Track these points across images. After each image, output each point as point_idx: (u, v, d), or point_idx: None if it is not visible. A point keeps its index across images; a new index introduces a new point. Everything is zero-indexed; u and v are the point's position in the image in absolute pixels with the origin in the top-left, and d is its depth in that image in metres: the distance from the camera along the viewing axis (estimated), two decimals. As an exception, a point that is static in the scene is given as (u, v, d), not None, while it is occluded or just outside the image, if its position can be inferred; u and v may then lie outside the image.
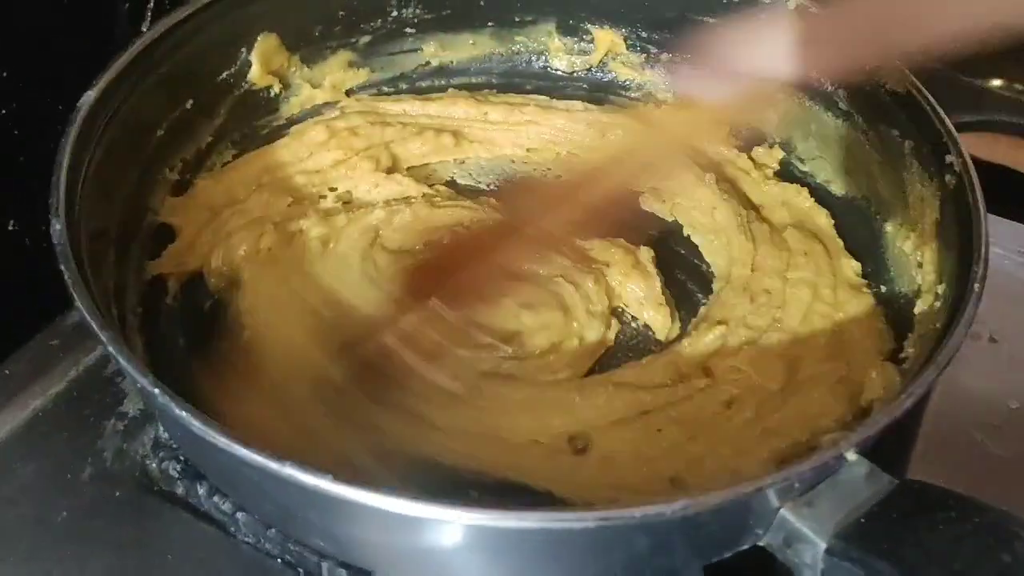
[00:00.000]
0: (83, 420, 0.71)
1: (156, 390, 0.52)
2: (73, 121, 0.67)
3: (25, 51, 0.72)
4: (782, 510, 0.54)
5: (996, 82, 1.15)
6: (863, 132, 0.81)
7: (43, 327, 0.76)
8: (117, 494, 0.67)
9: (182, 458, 0.67)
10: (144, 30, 0.80)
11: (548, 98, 0.93)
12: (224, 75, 0.84)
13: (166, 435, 0.68)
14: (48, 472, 0.68)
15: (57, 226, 0.60)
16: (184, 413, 0.51)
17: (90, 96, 0.69)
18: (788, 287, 0.74)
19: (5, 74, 0.71)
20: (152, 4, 0.81)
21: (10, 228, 0.76)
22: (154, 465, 0.68)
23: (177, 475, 0.67)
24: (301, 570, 0.63)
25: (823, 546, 0.53)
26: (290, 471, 0.49)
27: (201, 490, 0.66)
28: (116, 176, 0.72)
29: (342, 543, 0.59)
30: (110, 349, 0.54)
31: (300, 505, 0.54)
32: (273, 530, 0.64)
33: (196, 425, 0.51)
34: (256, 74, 0.86)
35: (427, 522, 0.50)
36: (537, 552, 0.54)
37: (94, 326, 0.54)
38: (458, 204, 0.81)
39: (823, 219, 0.81)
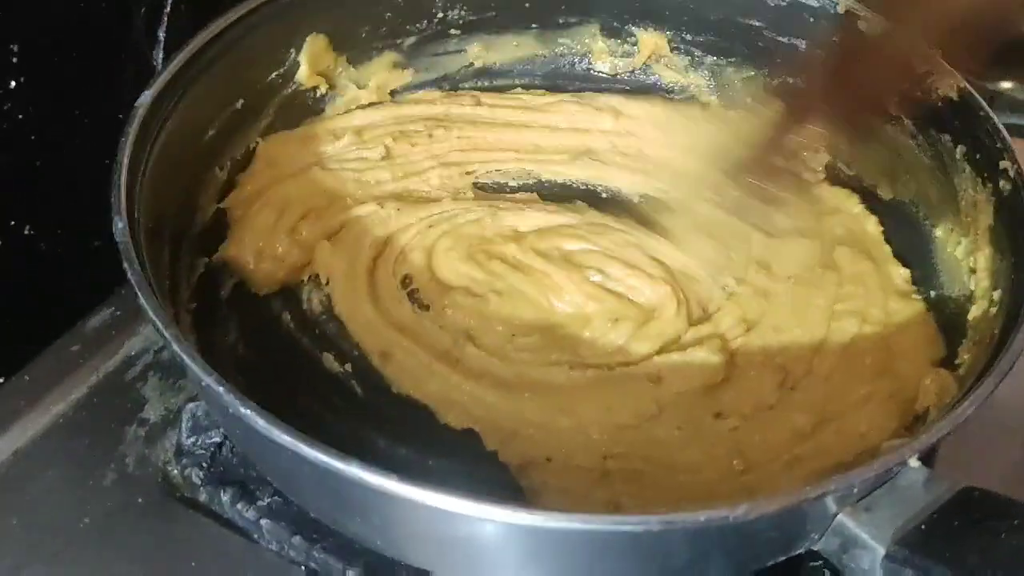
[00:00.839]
0: (104, 426, 0.71)
1: (221, 388, 0.52)
2: (132, 121, 0.67)
3: (41, 58, 0.72)
4: (840, 515, 0.54)
5: (1006, 84, 1.14)
6: (912, 136, 0.81)
7: (62, 333, 0.76)
8: (139, 500, 0.67)
9: (204, 464, 0.68)
10: (160, 36, 0.80)
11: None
12: (273, 75, 0.85)
13: (189, 441, 0.69)
14: (70, 478, 0.68)
15: (119, 224, 0.60)
16: (248, 411, 0.52)
17: (147, 96, 0.69)
18: (833, 321, 0.73)
19: (22, 80, 0.71)
20: (168, 9, 0.80)
21: (26, 233, 0.75)
22: (176, 471, 0.69)
23: (200, 481, 0.67)
24: None
25: (882, 552, 0.53)
26: (355, 470, 0.49)
27: (224, 497, 0.66)
28: (170, 175, 0.72)
29: (395, 541, 0.59)
30: (175, 347, 0.54)
31: (361, 503, 0.55)
32: (298, 537, 0.64)
33: (260, 424, 0.51)
34: (304, 74, 0.86)
35: (487, 523, 0.51)
36: (597, 554, 0.54)
37: (159, 324, 0.55)
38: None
39: (872, 226, 0.81)
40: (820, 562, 0.63)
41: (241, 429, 0.58)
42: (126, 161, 0.64)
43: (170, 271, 0.71)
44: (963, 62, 0.75)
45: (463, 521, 0.51)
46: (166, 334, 0.55)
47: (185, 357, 0.54)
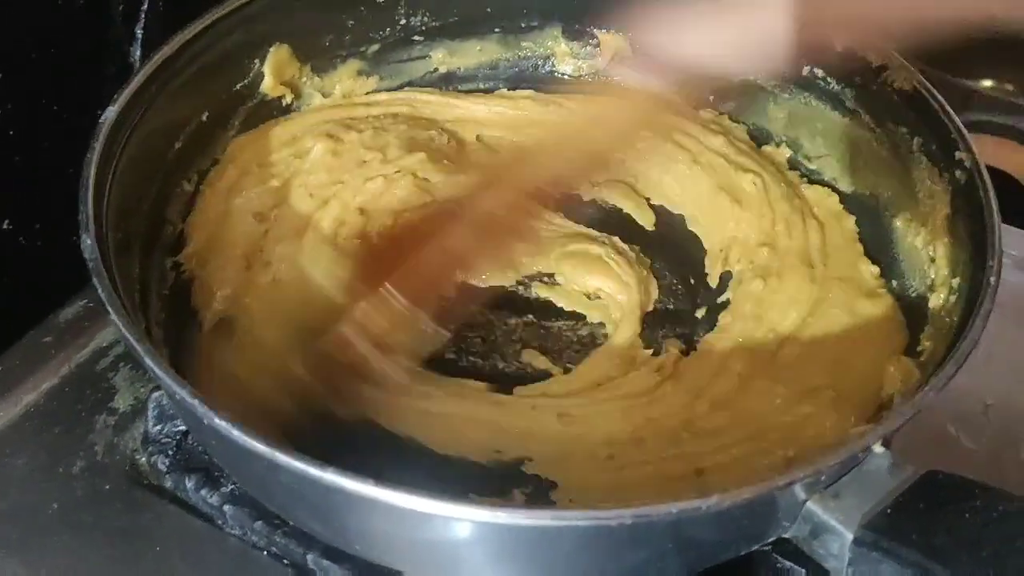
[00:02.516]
0: (75, 415, 0.73)
1: (196, 400, 0.53)
2: (96, 136, 0.67)
3: (20, 52, 0.73)
4: (809, 503, 0.55)
5: (986, 83, 1.17)
6: (871, 130, 0.82)
7: (36, 324, 0.78)
8: (107, 487, 0.69)
9: (170, 452, 0.69)
10: (138, 33, 0.81)
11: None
12: (238, 86, 0.85)
13: (155, 429, 0.70)
14: (40, 465, 0.70)
15: (88, 241, 0.60)
16: (222, 422, 0.52)
17: (111, 112, 0.69)
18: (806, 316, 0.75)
19: (0, 75, 0.72)
20: (146, 6, 0.81)
21: (4, 227, 0.77)
22: (143, 459, 0.70)
23: (165, 468, 0.69)
24: (287, 561, 0.65)
25: (850, 537, 0.54)
26: (333, 478, 0.50)
27: (189, 483, 0.68)
28: (138, 189, 0.72)
29: (372, 545, 0.60)
30: (147, 362, 0.55)
31: (336, 508, 0.55)
32: (260, 523, 0.65)
33: (235, 434, 0.52)
34: (269, 85, 0.87)
35: (453, 521, 0.51)
36: (569, 549, 0.54)
37: (132, 340, 0.55)
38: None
39: (850, 224, 0.82)
40: (768, 547, 0.64)
41: (217, 440, 0.58)
42: (92, 177, 0.64)
43: (140, 284, 0.72)
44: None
45: (436, 522, 0.51)
46: (139, 349, 0.55)
47: (158, 371, 0.54)
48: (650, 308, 0.77)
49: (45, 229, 0.79)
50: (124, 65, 0.81)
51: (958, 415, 0.77)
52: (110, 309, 0.56)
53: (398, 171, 0.82)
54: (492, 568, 0.58)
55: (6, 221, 0.77)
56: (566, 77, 0.98)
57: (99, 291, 0.58)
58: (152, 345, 0.57)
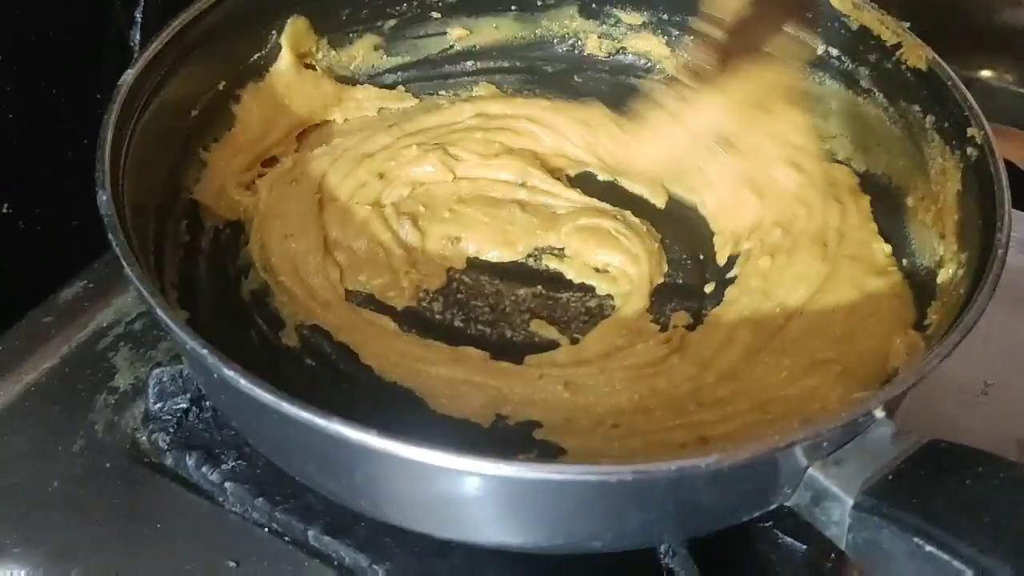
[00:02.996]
0: (75, 394, 0.73)
1: (205, 351, 0.53)
2: (114, 98, 0.68)
3: (19, 38, 0.73)
4: (810, 469, 0.55)
5: (986, 73, 1.16)
6: (884, 108, 0.83)
7: (36, 305, 0.79)
8: (107, 465, 0.69)
9: (171, 430, 0.70)
10: (138, 17, 0.81)
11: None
12: (255, 57, 0.86)
13: (156, 407, 0.71)
14: (40, 443, 0.70)
15: (103, 197, 0.61)
16: (232, 372, 0.53)
17: (130, 75, 0.70)
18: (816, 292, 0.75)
19: (0, 60, 0.73)
20: None
21: (4, 211, 0.78)
22: (144, 437, 0.70)
23: (166, 446, 0.69)
24: (288, 538, 0.65)
25: (851, 502, 0.54)
26: (336, 427, 0.50)
27: (190, 461, 0.68)
28: (154, 154, 0.73)
29: (378, 501, 0.60)
30: (158, 312, 0.55)
31: (342, 463, 0.56)
32: (261, 499, 0.66)
33: (244, 384, 0.52)
34: (285, 57, 0.88)
35: (457, 475, 0.52)
36: (572, 507, 0.55)
37: (145, 293, 0.56)
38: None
39: (865, 203, 0.81)
40: (769, 523, 0.67)
41: (226, 394, 0.59)
42: (109, 137, 0.65)
43: (155, 248, 0.73)
44: None
45: (445, 476, 0.52)
46: (151, 301, 0.56)
47: (169, 322, 0.55)
48: (660, 281, 0.78)
49: (44, 212, 0.80)
50: (123, 49, 0.82)
51: (958, 395, 0.78)
52: (124, 263, 0.57)
53: (436, 143, 0.84)
54: (495, 526, 0.59)
55: (5, 205, 0.78)
56: (582, 56, 0.98)
57: (113, 245, 0.59)
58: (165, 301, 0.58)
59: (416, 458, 0.50)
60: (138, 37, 0.81)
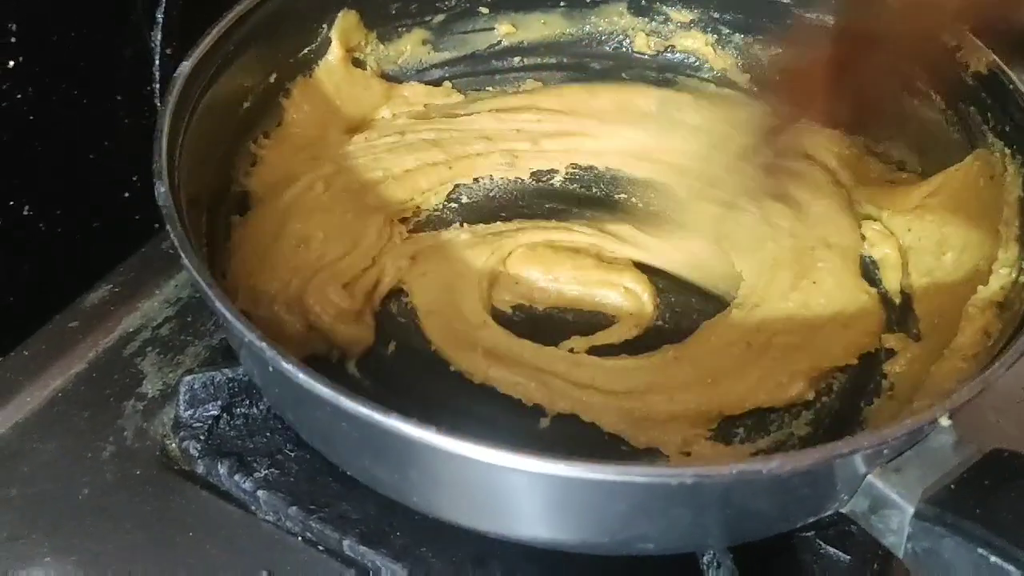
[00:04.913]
0: (103, 400, 0.72)
1: (263, 344, 0.54)
2: (171, 90, 0.69)
3: (40, 38, 0.73)
4: (869, 476, 0.55)
5: None
6: (942, 112, 0.81)
7: (61, 309, 0.77)
8: (138, 472, 0.68)
9: (202, 437, 0.69)
10: (159, 17, 0.80)
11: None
12: (305, 50, 0.86)
13: (187, 414, 0.69)
14: (69, 450, 0.69)
15: (162, 188, 0.62)
16: (289, 366, 0.53)
17: (186, 66, 0.71)
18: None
19: (20, 60, 0.72)
20: None
21: (25, 214, 0.77)
22: (174, 444, 0.69)
23: (197, 454, 0.68)
24: (321, 547, 0.64)
25: (911, 510, 0.54)
26: (394, 422, 0.50)
27: (222, 468, 0.67)
28: (207, 145, 0.73)
29: (429, 497, 0.60)
30: (218, 306, 0.55)
31: (397, 458, 0.56)
32: (295, 508, 0.65)
33: (301, 378, 0.53)
34: (335, 51, 0.88)
35: (523, 475, 0.51)
36: (623, 506, 0.54)
37: (203, 284, 0.56)
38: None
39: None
40: (812, 532, 0.66)
41: (281, 387, 0.59)
42: (166, 128, 0.66)
43: (207, 241, 0.73)
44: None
45: (497, 472, 0.52)
46: (209, 292, 0.56)
47: (227, 314, 0.55)
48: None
49: (66, 214, 0.79)
50: (144, 50, 0.81)
51: (998, 403, 0.77)
52: (182, 253, 0.58)
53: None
54: (546, 522, 0.58)
55: (27, 207, 0.76)
56: (631, 53, 0.98)
57: (172, 236, 0.59)
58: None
59: (476, 456, 0.50)
60: (159, 38, 0.80)
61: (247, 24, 0.78)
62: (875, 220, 0.82)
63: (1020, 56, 0.89)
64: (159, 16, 0.80)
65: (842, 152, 0.87)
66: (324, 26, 0.87)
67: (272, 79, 0.83)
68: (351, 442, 0.57)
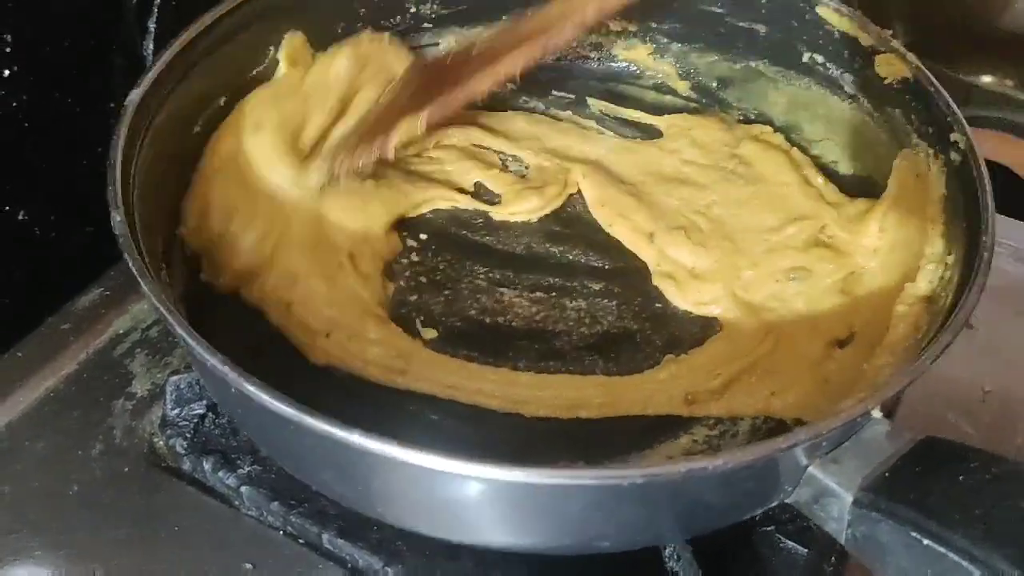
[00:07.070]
0: (93, 400, 0.75)
1: (226, 368, 0.55)
2: (122, 118, 0.69)
3: (34, 47, 0.74)
4: (810, 468, 0.58)
5: (986, 78, 1.18)
6: (869, 114, 0.85)
7: (54, 312, 0.80)
8: (126, 469, 0.71)
9: (188, 435, 0.72)
10: (151, 27, 0.82)
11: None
12: (254, 72, 0.87)
13: (173, 412, 0.72)
14: (60, 448, 0.72)
15: (117, 218, 0.63)
16: (252, 388, 0.54)
17: (135, 94, 0.71)
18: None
19: (15, 69, 0.73)
20: (159, 1, 0.83)
21: (20, 218, 0.79)
22: (161, 442, 0.72)
23: (183, 451, 0.71)
24: (302, 541, 0.67)
25: (850, 499, 0.56)
26: (356, 438, 0.52)
27: (207, 465, 0.70)
28: (160, 171, 0.74)
29: (392, 507, 0.62)
30: (179, 330, 0.57)
31: (363, 472, 0.58)
32: (276, 503, 0.68)
33: (265, 399, 0.54)
34: (283, 71, 0.89)
35: (473, 480, 0.54)
36: (578, 508, 0.57)
37: (163, 311, 0.57)
38: None
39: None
40: (772, 527, 0.69)
41: (244, 408, 0.60)
42: (119, 157, 0.67)
43: (165, 263, 0.74)
44: None
45: (458, 482, 0.54)
46: (170, 319, 0.57)
47: (189, 339, 0.56)
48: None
49: (60, 219, 0.82)
50: (136, 59, 0.83)
51: (957, 402, 0.80)
52: (141, 280, 0.59)
53: None
54: (506, 529, 0.60)
55: (21, 212, 0.79)
56: (572, 64, 1.00)
57: (130, 264, 0.60)
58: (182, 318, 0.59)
59: (431, 466, 0.52)
60: (151, 47, 0.82)
61: (194, 50, 0.78)
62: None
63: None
64: (151, 26, 0.82)
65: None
66: (271, 48, 0.88)
67: (222, 102, 0.84)
68: (313, 457, 0.59)
